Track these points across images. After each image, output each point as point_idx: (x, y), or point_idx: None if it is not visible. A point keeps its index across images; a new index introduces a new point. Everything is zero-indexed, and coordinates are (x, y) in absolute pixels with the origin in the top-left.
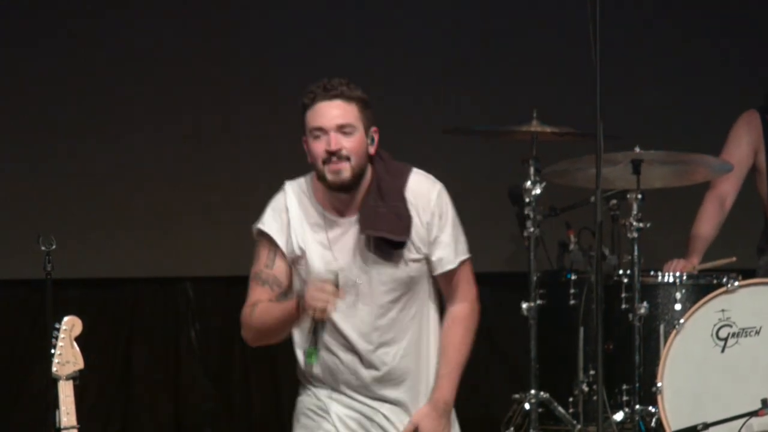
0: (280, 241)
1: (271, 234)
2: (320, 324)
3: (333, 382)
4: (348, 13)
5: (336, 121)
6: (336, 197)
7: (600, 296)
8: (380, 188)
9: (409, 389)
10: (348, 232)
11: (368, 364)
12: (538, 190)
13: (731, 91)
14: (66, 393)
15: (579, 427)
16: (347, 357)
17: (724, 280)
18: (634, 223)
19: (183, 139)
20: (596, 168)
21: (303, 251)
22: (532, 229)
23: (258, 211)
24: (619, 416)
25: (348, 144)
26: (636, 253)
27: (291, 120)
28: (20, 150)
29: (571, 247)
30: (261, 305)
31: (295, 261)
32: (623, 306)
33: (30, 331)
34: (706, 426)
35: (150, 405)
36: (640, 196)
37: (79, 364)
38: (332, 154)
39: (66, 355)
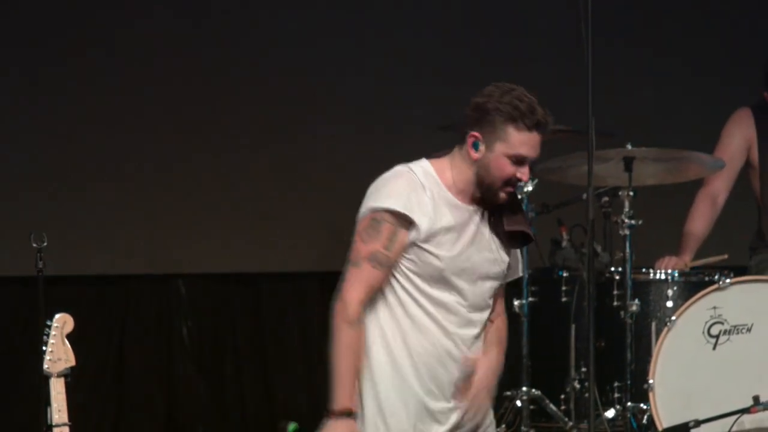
0: (420, 219)
1: (405, 212)
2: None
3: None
4: (348, 12)
5: (536, 155)
6: (472, 189)
7: (592, 293)
8: None
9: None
10: (472, 219)
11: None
12: (530, 187)
13: (723, 88)
14: (58, 390)
15: (570, 424)
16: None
17: (716, 277)
18: (626, 220)
19: (176, 137)
20: (588, 165)
21: (438, 229)
22: None
23: (250, 210)
24: (610, 413)
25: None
26: (628, 250)
27: (287, 120)
28: (11, 147)
29: (563, 244)
30: (352, 346)
31: (430, 237)
32: (615, 303)
33: (22, 328)
34: (698, 423)
35: (142, 402)
36: (632, 193)
37: (71, 361)
38: (519, 181)
39: (57, 353)
